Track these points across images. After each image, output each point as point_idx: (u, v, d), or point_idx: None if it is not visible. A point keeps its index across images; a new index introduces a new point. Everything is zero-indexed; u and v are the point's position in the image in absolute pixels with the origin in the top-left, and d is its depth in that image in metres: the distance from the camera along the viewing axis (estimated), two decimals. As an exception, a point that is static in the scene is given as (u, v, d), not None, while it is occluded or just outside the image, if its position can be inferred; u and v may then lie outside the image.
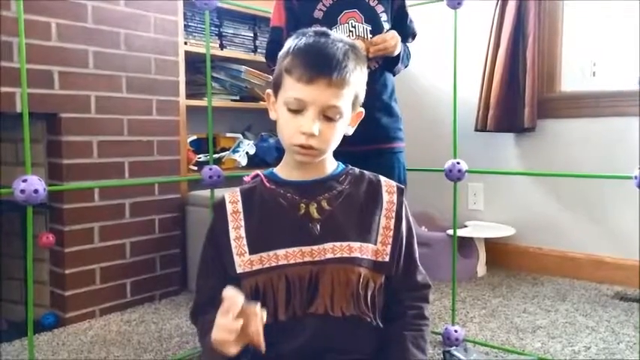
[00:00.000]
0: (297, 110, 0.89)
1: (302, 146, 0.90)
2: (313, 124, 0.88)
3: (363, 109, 0.99)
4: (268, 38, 1.69)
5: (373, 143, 1.55)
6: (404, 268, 0.98)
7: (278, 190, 0.96)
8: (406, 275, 0.99)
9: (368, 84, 0.99)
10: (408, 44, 1.71)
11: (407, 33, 1.67)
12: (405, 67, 1.70)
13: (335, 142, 0.94)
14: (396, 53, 1.56)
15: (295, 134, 0.90)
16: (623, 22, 2.46)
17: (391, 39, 1.52)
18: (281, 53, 0.95)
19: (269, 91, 0.98)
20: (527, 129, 2.52)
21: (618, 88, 2.41)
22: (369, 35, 1.55)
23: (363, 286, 0.91)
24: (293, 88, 0.89)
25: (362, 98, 0.97)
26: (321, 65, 0.88)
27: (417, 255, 1.01)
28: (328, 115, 0.90)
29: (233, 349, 0.80)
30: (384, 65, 1.61)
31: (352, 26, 1.54)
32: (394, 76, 1.68)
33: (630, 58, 2.41)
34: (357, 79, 0.93)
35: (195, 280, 1.01)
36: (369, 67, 1.48)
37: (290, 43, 0.94)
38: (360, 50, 0.97)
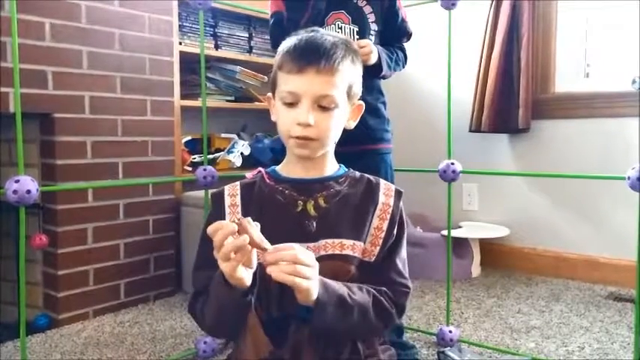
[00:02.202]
0: (292, 103, 0.91)
1: (299, 137, 0.91)
2: (308, 114, 0.90)
3: (362, 103, 1.00)
4: (270, 27, 1.59)
5: (357, 144, 1.50)
6: (380, 263, 0.95)
7: (277, 186, 0.97)
8: (378, 271, 0.95)
9: None
10: (404, 44, 1.68)
11: (399, 34, 1.64)
12: (401, 69, 1.66)
13: (334, 134, 0.95)
14: (370, 62, 1.47)
15: (292, 126, 0.91)
16: (616, 23, 2.47)
17: (365, 47, 1.43)
18: (275, 57, 0.97)
19: (269, 94, 1.00)
20: (522, 130, 2.53)
21: (612, 89, 2.43)
22: (356, 36, 1.52)
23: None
24: (285, 82, 0.92)
25: (358, 91, 0.99)
26: (309, 55, 0.90)
27: (397, 257, 0.97)
28: (323, 105, 0.91)
29: (246, 275, 0.81)
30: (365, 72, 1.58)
31: (339, 27, 1.53)
32: (384, 79, 1.63)
33: (623, 59, 2.42)
34: (349, 68, 0.94)
35: (192, 272, 1.01)
36: None
37: (282, 45, 0.96)
38: (352, 44, 0.98)
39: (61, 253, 1.94)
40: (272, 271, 0.79)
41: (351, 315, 0.87)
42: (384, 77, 1.60)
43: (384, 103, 1.64)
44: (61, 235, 1.94)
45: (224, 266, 0.80)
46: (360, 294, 0.90)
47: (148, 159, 2.18)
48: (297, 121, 0.90)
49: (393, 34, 1.60)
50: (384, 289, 0.94)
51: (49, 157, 1.94)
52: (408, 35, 1.67)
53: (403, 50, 1.68)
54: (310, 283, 0.81)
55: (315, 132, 0.91)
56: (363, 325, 0.90)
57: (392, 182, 1.59)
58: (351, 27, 1.54)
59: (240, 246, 0.78)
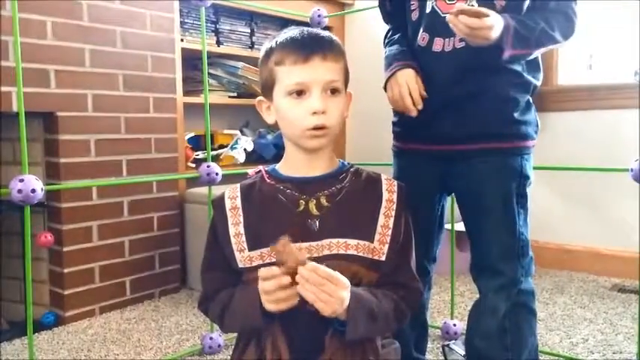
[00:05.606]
0: (301, 96, 0.91)
1: (315, 128, 0.90)
2: (321, 101, 0.90)
3: (351, 92, 1.00)
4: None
5: (501, 140, 1.21)
6: (394, 265, 0.96)
7: (277, 186, 0.96)
8: (394, 273, 0.96)
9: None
10: (569, 5, 1.16)
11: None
12: (556, 43, 1.14)
13: (341, 122, 0.95)
14: (492, 38, 1.04)
15: (305, 117, 0.90)
16: (619, 14, 2.46)
17: (484, 22, 1.02)
18: (262, 58, 0.96)
19: (260, 98, 0.98)
20: (524, 122, 2.52)
21: (615, 81, 2.42)
22: (475, 4, 1.08)
23: (355, 284, 0.90)
24: (291, 75, 0.91)
25: (348, 82, 0.98)
26: (312, 43, 0.91)
27: (411, 257, 0.99)
28: (330, 92, 0.91)
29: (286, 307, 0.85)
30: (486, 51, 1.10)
31: None
32: (510, 62, 1.14)
33: (627, 51, 2.41)
34: (344, 56, 0.96)
35: (200, 273, 1.02)
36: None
37: (268, 45, 0.95)
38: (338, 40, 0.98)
39: (66, 251, 1.95)
40: (301, 287, 0.82)
41: (378, 324, 0.90)
42: (510, 60, 1.12)
43: None
44: (66, 233, 1.95)
45: (271, 307, 0.85)
46: (385, 302, 0.92)
47: (152, 156, 2.19)
48: (311, 110, 0.89)
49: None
50: (402, 292, 0.96)
51: (53, 156, 1.95)
52: None
53: (564, 13, 1.14)
54: (332, 308, 0.83)
55: (329, 119, 0.91)
56: (384, 330, 0.94)
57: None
58: None
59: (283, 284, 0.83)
